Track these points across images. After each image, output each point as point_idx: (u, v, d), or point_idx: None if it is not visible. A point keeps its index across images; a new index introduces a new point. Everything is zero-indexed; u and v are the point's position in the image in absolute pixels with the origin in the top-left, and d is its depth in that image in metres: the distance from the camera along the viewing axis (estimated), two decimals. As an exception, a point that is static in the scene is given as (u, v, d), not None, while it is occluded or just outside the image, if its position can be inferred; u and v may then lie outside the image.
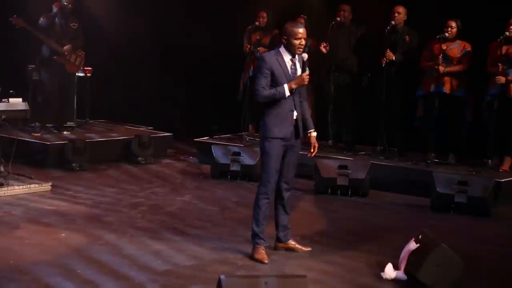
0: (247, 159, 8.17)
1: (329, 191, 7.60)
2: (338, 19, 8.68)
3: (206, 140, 9.26)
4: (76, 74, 9.64)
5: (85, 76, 9.84)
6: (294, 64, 5.22)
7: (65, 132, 9.28)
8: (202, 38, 10.39)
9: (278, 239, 5.53)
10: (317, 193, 7.63)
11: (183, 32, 10.53)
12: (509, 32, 7.61)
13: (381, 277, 4.97)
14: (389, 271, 4.96)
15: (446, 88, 8.03)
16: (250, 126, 9.52)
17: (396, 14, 8.34)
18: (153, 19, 10.76)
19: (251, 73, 9.16)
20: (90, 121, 10.24)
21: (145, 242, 5.62)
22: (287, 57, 5.20)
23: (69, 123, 9.65)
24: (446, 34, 7.97)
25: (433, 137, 8.19)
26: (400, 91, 8.41)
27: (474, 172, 7.58)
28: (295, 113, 5.21)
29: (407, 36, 8.33)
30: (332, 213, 6.94)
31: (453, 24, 7.99)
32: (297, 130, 5.25)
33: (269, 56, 5.22)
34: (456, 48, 8.03)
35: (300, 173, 8.26)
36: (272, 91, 5.12)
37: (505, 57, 7.66)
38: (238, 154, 8.22)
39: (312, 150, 5.36)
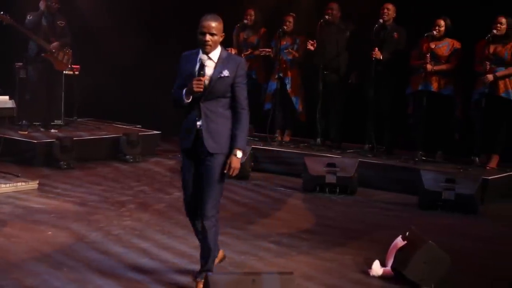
0: (235, 157, 8.15)
1: (318, 189, 7.61)
2: (327, 17, 8.69)
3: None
4: (64, 72, 9.60)
5: (73, 74, 9.82)
6: (202, 64, 4.36)
7: (52, 130, 9.24)
8: (189, 36, 10.36)
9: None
10: (306, 191, 7.64)
11: (171, 30, 10.50)
12: (497, 30, 7.64)
13: (369, 274, 4.98)
14: (376, 268, 4.97)
15: (434, 87, 8.06)
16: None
17: (386, 11, 8.37)
18: (140, 17, 10.73)
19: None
20: (78, 119, 10.22)
21: (133, 240, 5.60)
22: (203, 56, 4.37)
23: (57, 121, 9.62)
24: (434, 33, 8.00)
25: (421, 135, 8.22)
26: (389, 89, 8.45)
27: (461, 170, 7.62)
28: (198, 123, 4.35)
29: (395, 33, 8.35)
30: (320, 211, 6.94)
31: (442, 23, 8.02)
32: (202, 141, 4.36)
33: (186, 55, 4.48)
34: (444, 47, 8.06)
35: (289, 171, 8.38)
36: (176, 94, 4.38)
37: (492, 56, 7.70)
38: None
39: (226, 171, 4.36)
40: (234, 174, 4.38)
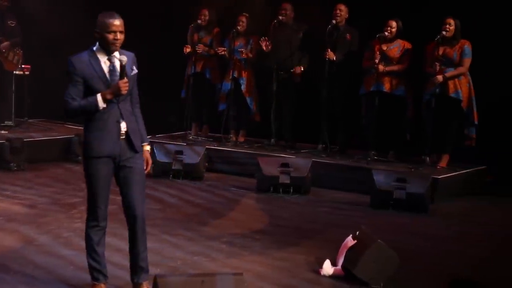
0: (189, 158, 8.14)
1: (271, 189, 7.62)
2: (280, 17, 8.72)
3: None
4: (14, 72, 9.44)
5: (24, 75, 9.64)
6: (112, 65, 4.26)
7: (2, 131, 9.07)
8: (145, 36, 10.29)
9: (132, 279, 4.50)
10: (259, 191, 7.65)
11: (125, 29, 10.38)
12: (446, 32, 7.77)
13: (319, 274, 5.01)
14: (327, 267, 5.00)
15: (386, 87, 8.16)
16: (193, 125, 9.49)
17: (338, 12, 8.43)
18: (92, 16, 10.57)
19: (192, 71, 9.15)
20: (29, 120, 10.04)
21: (82, 242, 5.48)
22: (103, 57, 4.25)
23: (7, 122, 9.45)
24: (386, 34, 8.09)
25: (373, 135, 8.30)
26: (342, 89, 8.51)
27: (412, 169, 7.72)
28: (123, 125, 4.28)
29: (348, 34, 8.42)
30: (274, 211, 6.96)
31: (393, 24, 8.12)
32: (130, 143, 4.31)
33: (79, 58, 4.24)
34: (396, 48, 8.16)
35: (243, 172, 8.39)
36: (83, 102, 4.18)
37: (442, 57, 7.82)
38: (181, 152, 8.18)
39: (145, 167, 4.44)
40: (149, 169, 4.48)
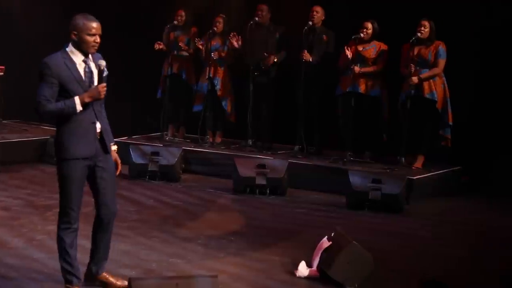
0: (165, 159, 8.11)
1: (248, 190, 7.62)
2: (257, 18, 8.72)
3: (124, 140, 9.11)
4: (-12, 73, 9.36)
5: (-2, 75, 9.56)
6: (88, 66, 4.28)
7: (-24, 133, 9.00)
8: (120, 36, 10.25)
9: (90, 272, 4.62)
10: (236, 193, 7.64)
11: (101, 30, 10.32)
12: (421, 33, 7.82)
13: (295, 275, 5.01)
14: (303, 269, 5.01)
15: (362, 88, 8.19)
16: (170, 126, 9.46)
17: (314, 13, 8.45)
18: (67, 16, 10.50)
19: (169, 72, 9.12)
20: (4, 121, 9.94)
21: (56, 245, 5.46)
22: (78, 59, 4.25)
23: (-19, 123, 9.36)
24: (361, 35, 8.13)
25: (349, 135, 8.33)
26: (318, 90, 8.54)
27: (388, 170, 7.76)
28: (98, 125, 4.33)
29: (324, 35, 8.44)
30: (250, 212, 6.96)
31: (369, 25, 8.16)
32: (103, 144, 4.38)
33: (54, 60, 4.21)
34: (371, 49, 8.20)
35: (220, 173, 8.37)
36: (59, 105, 4.17)
37: (417, 58, 7.87)
38: (157, 154, 8.14)
39: (117, 167, 4.52)
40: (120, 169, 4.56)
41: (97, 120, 4.32)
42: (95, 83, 4.30)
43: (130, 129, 9.50)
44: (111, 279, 4.58)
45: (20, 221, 6.13)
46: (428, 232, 6.52)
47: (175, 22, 9.13)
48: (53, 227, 5.90)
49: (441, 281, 4.52)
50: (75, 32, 4.24)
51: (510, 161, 7.96)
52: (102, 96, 4.26)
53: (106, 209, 4.47)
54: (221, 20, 8.97)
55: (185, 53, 9.15)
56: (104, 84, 4.26)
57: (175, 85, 9.22)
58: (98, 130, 4.34)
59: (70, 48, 4.27)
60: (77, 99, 4.19)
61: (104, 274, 4.61)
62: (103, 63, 4.28)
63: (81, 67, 4.25)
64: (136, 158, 8.12)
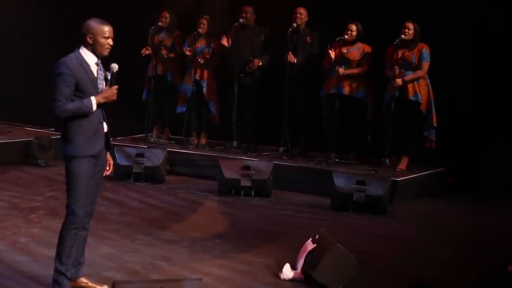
0: (150, 161, 8.08)
1: (233, 192, 7.62)
2: (241, 20, 8.72)
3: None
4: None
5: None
6: (100, 68, 4.45)
7: (-41, 134, 8.92)
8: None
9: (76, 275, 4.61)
10: (221, 194, 7.64)
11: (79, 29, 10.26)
12: (405, 35, 7.85)
13: (279, 277, 5.02)
14: (287, 271, 5.02)
15: (346, 90, 8.22)
16: (155, 127, 9.43)
17: (298, 15, 8.46)
18: (50, 17, 10.45)
19: (153, 73, 9.10)
20: (-13, 123, 9.88)
21: (39, 248, 5.45)
22: (91, 61, 4.40)
23: (-36, 125, 9.28)
24: (346, 37, 8.15)
25: (334, 137, 8.35)
26: (303, 92, 8.55)
27: (372, 172, 7.78)
28: (105, 125, 4.48)
29: (308, 37, 8.46)
30: (235, 214, 6.96)
31: (353, 27, 8.18)
32: (107, 143, 4.53)
33: (72, 61, 4.33)
34: (355, 51, 8.23)
35: (205, 174, 8.36)
36: (78, 104, 4.29)
37: (401, 60, 7.90)
38: (141, 155, 8.12)
39: (108, 168, 4.59)
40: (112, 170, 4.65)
41: (104, 121, 4.48)
42: (104, 85, 4.44)
43: (114, 131, 9.44)
44: (91, 284, 4.56)
45: (4, 223, 6.08)
46: (413, 233, 6.55)
47: (160, 23, 9.11)
48: (37, 230, 5.92)
49: (426, 283, 4.53)
50: (90, 35, 4.37)
51: (494, 162, 8.02)
52: (115, 97, 4.42)
53: (90, 208, 4.53)
54: (205, 21, 8.95)
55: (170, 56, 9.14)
56: (117, 87, 4.42)
57: (160, 86, 9.19)
58: (105, 130, 4.48)
59: (83, 51, 4.39)
60: (93, 99, 4.33)
61: (82, 278, 4.58)
62: (115, 66, 4.43)
63: (94, 69, 4.40)
64: (121, 160, 8.09)
